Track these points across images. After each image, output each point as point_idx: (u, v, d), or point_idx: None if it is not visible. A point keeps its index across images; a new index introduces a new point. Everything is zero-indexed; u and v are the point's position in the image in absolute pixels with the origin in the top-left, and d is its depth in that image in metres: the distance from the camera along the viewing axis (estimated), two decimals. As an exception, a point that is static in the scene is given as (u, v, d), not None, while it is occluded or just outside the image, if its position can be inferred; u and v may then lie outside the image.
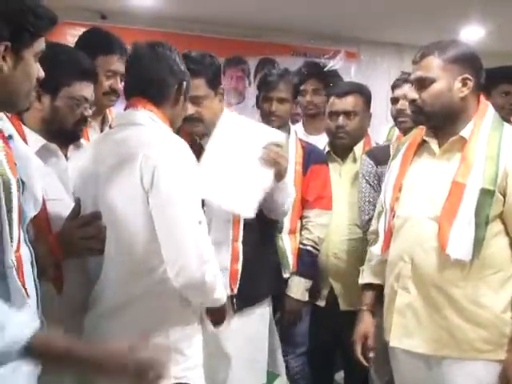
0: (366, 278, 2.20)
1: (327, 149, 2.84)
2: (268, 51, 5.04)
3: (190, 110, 2.23)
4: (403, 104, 2.66)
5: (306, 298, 2.68)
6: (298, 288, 2.65)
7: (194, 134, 2.35)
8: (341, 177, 2.77)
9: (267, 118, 2.78)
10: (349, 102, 2.69)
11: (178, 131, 2.39)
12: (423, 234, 1.95)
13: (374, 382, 2.65)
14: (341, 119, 2.68)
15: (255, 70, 4.96)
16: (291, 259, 2.64)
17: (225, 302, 1.91)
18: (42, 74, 1.42)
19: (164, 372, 1.28)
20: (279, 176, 2.19)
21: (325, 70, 5.14)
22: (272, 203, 2.26)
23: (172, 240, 1.72)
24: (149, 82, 1.87)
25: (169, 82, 1.88)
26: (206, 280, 1.72)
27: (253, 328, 2.43)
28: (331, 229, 2.69)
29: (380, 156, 2.59)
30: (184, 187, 1.74)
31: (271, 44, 5.06)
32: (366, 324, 2.15)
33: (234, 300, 2.33)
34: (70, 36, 4.18)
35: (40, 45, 1.39)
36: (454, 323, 1.91)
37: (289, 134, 2.78)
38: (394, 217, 2.04)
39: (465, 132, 1.95)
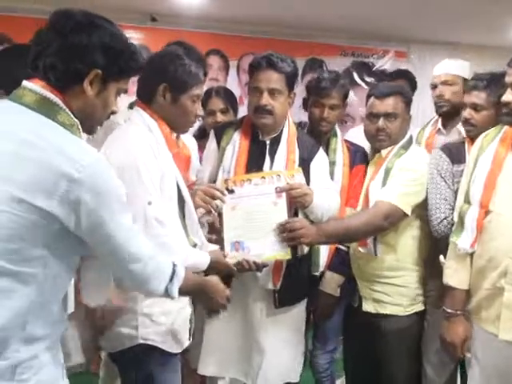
0: (459, 280, 2.22)
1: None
2: (316, 51, 5.03)
3: (265, 100, 2.36)
4: (469, 113, 2.55)
5: (338, 294, 2.71)
6: (331, 283, 2.69)
7: (261, 126, 2.44)
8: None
9: (317, 123, 2.78)
10: (389, 104, 2.57)
11: (239, 125, 2.52)
12: None
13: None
14: (381, 121, 2.57)
15: (303, 70, 4.93)
16: (323, 257, 2.66)
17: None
18: (116, 108, 1.55)
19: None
20: (303, 207, 2.38)
21: (373, 69, 5.17)
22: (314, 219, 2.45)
23: None
24: (139, 84, 2.09)
25: (151, 83, 2.04)
26: None
27: (291, 325, 2.53)
28: None
29: (456, 154, 2.54)
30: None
31: (319, 44, 5.04)
32: (465, 328, 2.21)
33: (276, 295, 2.40)
34: (121, 38, 4.27)
35: (125, 83, 1.53)
36: None
37: (336, 136, 2.82)
38: (485, 213, 2.08)
39: None
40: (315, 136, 2.70)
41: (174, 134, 2.11)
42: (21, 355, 1.37)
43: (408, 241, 2.53)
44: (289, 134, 2.50)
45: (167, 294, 1.62)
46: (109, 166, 1.42)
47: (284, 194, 2.30)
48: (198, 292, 1.94)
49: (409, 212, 2.46)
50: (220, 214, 2.31)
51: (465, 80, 3.13)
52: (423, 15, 4.46)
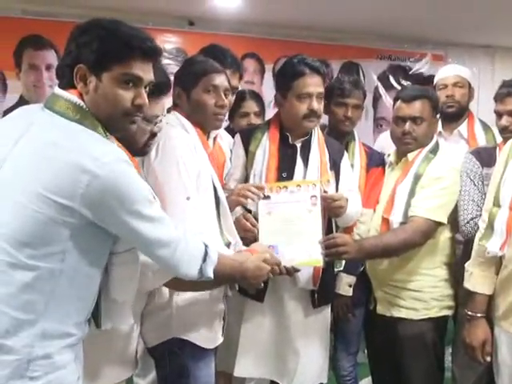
0: (477, 283, 2.22)
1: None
2: (352, 55, 5.03)
3: (316, 105, 2.42)
4: (508, 120, 2.57)
5: (350, 293, 2.73)
6: (342, 283, 2.72)
7: (306, 130, 2.49)
8: (388, 179, 2.73)
9: (341, 122, 2.82)
10: (416, 108, 2.57)
11: (266, 128, 2.55)
12: None
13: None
14: (407, 125, 2.57)
15: (338, 73, 4.94)
16: None
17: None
18: (141, 101, 1.51)
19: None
20: (336, 216, 2.46)
21: (410, 73, 5.14)
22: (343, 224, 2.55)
23: None
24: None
25: (173, 92, 2.18)
26: None
27: (321, 326, 2.56)
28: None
29: (486, 157, 2.55)
30: None
31: (355, 47, 5.04)
32: (484, 331, 2.20)
33: (316, 295, 2.43)
34: (159, 42, 4.34)
35: (125, 68, 1.47)
36: None
37: (354, 140, 2.85)
38: None
39: None
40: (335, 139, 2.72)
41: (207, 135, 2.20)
42: (35, 351, 1.39)
43: (426, 246, 2.52)
44: (319, 137, 2.53)
45: (201, 274, 1.63)
46: (129, 165, 1.46)
47: (319, 202, 2.31)
48: (237, 278, 1.95)
49: (445, 221, 2.47)
50: (256, 218, 2.35)
51: (470, 86, 3.22)
52: (460, 18, 4.42)
